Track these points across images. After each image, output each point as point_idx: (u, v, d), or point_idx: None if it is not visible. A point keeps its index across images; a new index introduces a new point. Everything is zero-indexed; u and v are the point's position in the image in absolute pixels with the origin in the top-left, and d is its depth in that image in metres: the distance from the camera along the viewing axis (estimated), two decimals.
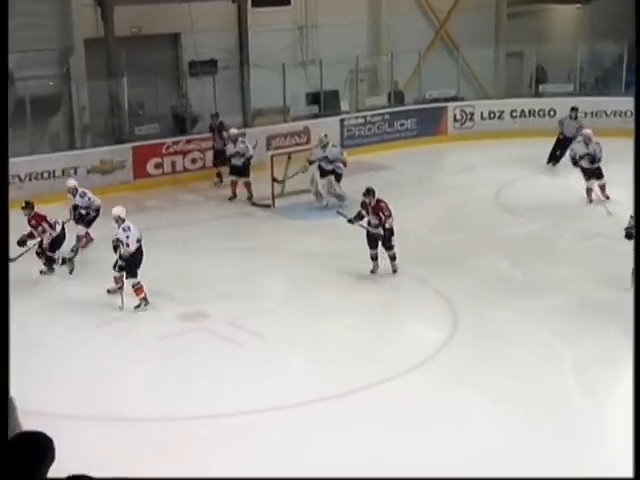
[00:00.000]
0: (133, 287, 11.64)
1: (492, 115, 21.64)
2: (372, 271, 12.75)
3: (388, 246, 12.60)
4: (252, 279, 13.16)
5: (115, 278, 11.87)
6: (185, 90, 19.70)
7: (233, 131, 17.17)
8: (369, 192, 12.68)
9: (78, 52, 18.04)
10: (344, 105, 21.11)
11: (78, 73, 18.13)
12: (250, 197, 16.86)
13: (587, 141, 15.83)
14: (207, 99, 19.11)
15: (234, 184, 16.98)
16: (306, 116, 20.28)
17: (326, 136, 16.68)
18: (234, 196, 17.02)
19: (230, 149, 16.96)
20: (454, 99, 21.84)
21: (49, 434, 3.17)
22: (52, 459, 2.99)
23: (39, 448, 2.95)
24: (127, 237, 11.53)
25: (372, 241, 12.64)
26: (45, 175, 16.90)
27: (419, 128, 21.16)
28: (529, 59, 22.87)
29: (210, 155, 18.34)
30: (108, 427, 8.68)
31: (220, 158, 17.70)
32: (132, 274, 11.59)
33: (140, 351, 10.62)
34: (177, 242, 14.71)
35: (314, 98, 20.63)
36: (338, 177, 16.39)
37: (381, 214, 12.46)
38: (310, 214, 16.13)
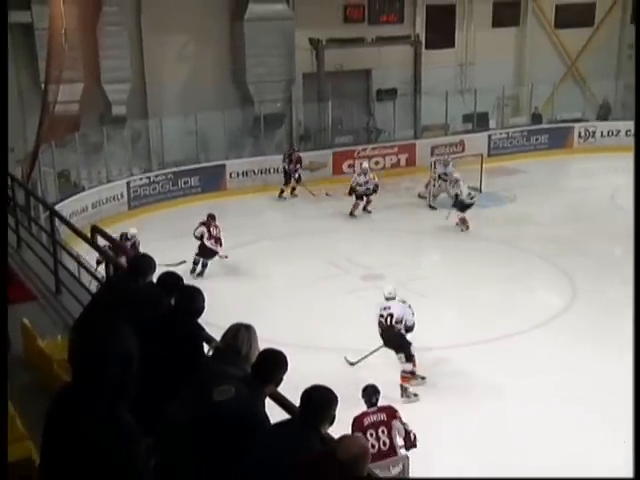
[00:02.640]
0: None
1: (610, 133, 20.17)
2: None
3: None
4: (416, 252, 13.01)
5: None
6: (372, 111, 19.65)
7: (365, 165, 15.83)
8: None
9: (298, 82, 18.41)
10: (492, 124, 20.45)
11: (297, 98, 18.56)
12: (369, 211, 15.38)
13: None
14: (388, 118, 19.04)
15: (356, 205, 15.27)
16: (462, 131, 19.73)
17: (448, 156, 16.16)
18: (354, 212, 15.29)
19: (361, 179, 15.37)
20: (580, 120, 20.62)
21: None
22: (286, 370, 3.03)
23: (281, 359, 3.01)
24: None
25: None
26: (271, 170, 17.36)
27: (550, 142, 20.11)
28: None
29: (388, 161, 18.18)
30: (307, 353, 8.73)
31: (287, 179, 16.48)
32: None
33: (333, 300, 10.77)
34: (362, 223, 14.77)
35: (468, 118, 20.07)
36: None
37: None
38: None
